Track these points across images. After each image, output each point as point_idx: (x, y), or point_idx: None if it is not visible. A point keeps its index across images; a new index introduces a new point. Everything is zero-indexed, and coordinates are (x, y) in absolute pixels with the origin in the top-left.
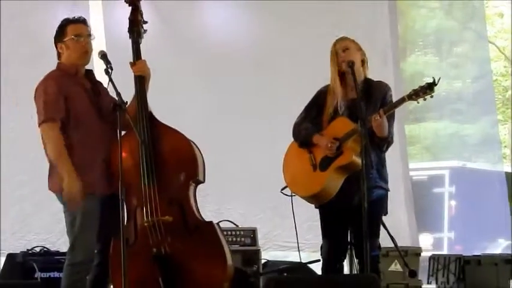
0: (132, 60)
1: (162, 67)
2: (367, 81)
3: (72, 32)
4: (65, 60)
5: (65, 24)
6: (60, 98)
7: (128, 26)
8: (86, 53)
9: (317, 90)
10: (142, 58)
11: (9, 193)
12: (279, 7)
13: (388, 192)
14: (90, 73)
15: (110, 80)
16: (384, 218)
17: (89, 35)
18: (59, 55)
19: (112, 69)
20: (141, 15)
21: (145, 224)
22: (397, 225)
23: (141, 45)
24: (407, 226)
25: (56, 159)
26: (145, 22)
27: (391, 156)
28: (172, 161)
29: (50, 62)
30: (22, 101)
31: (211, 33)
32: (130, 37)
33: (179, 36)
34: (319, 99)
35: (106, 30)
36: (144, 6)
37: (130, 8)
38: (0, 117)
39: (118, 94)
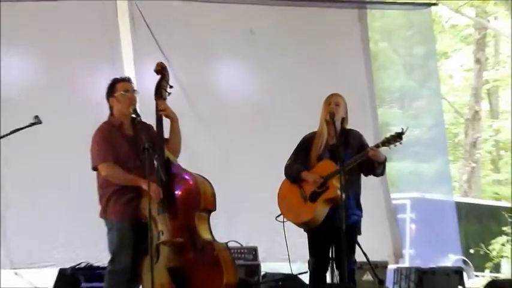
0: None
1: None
2: (344, 131)
3: (121, 88)
4: (116, 112)
5: (115, 82)
6: (109, 146)
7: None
8: (133, 104)
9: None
10: None
11: (59, 214)
12: (281, 65)
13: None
14: (135, 120)
15: (139, 130)
16: (369, 233)
17: (134, 90)
18: (111, 108)
19: (142, 121)
20: (167, 81)
21: (163, 245)
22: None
23: None
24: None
25: (127, 183)
26: (171, 87)
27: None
28: (181, 197)
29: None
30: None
31: (221, 87)
32: (155, 99)
33: (193, 90)
34: (306, 145)
35: (139, 86)
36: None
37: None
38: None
39: (145, 139)
